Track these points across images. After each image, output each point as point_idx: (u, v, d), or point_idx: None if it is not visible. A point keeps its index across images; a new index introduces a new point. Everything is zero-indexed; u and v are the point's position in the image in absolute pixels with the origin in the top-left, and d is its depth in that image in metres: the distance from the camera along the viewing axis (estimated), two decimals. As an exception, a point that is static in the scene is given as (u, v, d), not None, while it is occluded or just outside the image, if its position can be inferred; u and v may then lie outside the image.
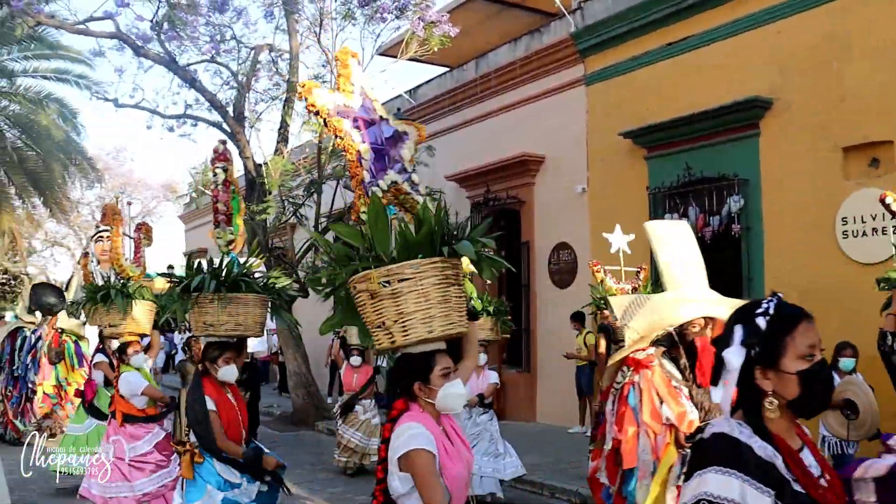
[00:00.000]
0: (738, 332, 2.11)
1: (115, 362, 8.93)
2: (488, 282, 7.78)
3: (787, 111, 10.25)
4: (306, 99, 3.41)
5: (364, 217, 3.25)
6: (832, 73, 9.81)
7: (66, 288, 13.28)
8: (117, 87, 60.69)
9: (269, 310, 5.49)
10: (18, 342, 13.11)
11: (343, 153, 13.89)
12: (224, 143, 5.75)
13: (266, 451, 5.17)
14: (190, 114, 16.92)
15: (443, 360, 3.13)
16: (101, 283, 7.94)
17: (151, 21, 15.27)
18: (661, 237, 5.15)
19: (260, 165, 15.33)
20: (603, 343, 8.93)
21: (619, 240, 8.35)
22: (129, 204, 9.09)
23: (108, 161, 34.78)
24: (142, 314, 7.46)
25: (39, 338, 12.71)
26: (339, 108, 3.43)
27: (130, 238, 8.30)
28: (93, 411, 9.18)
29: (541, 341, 14.12)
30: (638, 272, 8.24)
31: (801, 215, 10.08)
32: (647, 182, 11.94)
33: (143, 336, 7.60)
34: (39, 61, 19.29)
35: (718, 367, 2.15)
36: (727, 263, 10.92)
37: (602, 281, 8.30)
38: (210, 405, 5.04)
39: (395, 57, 15.47)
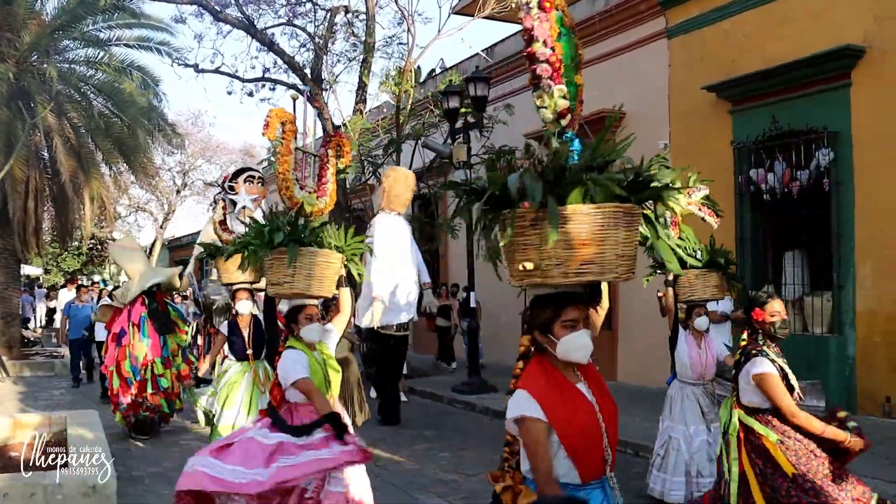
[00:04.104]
0: None
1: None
2: (716, 221, 6.75)
3: (882, 60, 9.84)
4: None
5: None
6: (930, 18, 9.39)
7: (150, 252, 13.40)
8: (197, 53, 62.15)
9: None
10: None
11: (422, 112, 13.66)
12: None
13: None
14: (268, 77, 17.21)
15: None
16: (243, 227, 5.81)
17: (230, -14, 15.52)
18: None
19: (338, 126, 15.46)
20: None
21: None
22: (308, 98, 6.44)
23: (187, 126, 35.40)
24: (321, 268, 4.78)
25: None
26: None
27: (314, 155, 5.76)
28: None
29: (622, 298, 13.99)
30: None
31: (895, 169, 9.72)
32: (732, 136, 11.65)
33: (320, 298, 5.02)
34: (122, 30, 19.70)
35: None
36: (816, 220, 10.63)
37: None
38: (534, 410, 2.89)
39: (472, 15, 15.35)
